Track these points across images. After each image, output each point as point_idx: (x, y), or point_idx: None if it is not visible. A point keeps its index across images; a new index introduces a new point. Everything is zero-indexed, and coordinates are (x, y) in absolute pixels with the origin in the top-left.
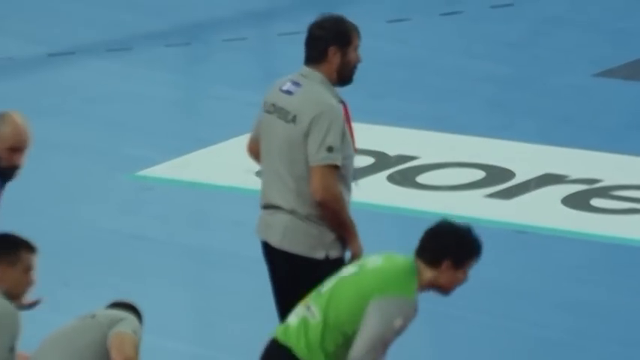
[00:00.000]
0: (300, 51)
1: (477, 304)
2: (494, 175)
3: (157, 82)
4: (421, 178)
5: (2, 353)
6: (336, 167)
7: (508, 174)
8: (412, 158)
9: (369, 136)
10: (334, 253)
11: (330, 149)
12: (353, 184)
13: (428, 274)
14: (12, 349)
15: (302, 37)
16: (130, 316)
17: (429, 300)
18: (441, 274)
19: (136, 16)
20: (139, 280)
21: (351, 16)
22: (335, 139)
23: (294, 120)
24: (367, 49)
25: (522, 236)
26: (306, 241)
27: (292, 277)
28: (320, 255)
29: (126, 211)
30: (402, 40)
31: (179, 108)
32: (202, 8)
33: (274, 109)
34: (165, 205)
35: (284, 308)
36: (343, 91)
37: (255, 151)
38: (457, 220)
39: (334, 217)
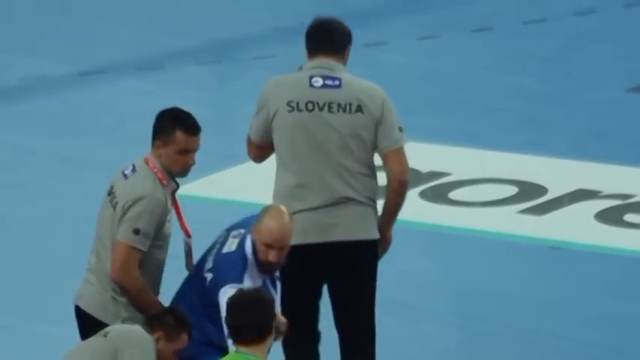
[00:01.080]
0: None
1: (510, 319)
2: (527, 190)
3: (188, 100)
4: (454, 195)
5: None
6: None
7: (541, 190)
8: (444, 174)
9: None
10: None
11: (401, 129)
12: None
13: None
14: None
15: None
16: (142, 342)
17: (460, 316)
18: None
19: (167, 34)
20: (167, 302)
21: (383, 32)
22: (399, 121)
23: (359, 109)
24: (398, 65)
25: (555, 252)
26: (375, 224)
27: (359, 265)
28: (375, 235)
29: None
30: (434, 57)
31: (210, 126)
32: (233, 26)
33: (315, 106)
34: (197, 223)
35: (314, 305)
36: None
37: (263, 155)
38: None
39: (404, 199)
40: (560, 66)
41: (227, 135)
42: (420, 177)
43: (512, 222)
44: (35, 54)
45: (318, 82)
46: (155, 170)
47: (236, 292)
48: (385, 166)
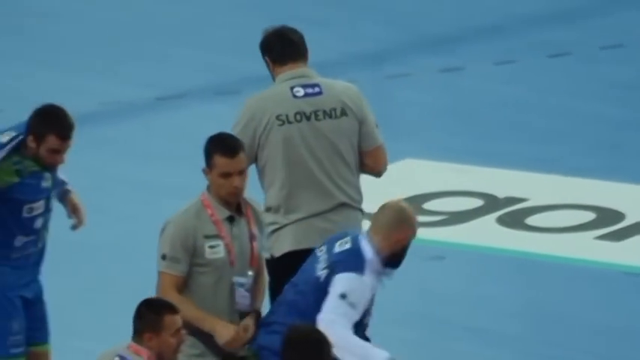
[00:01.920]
0: (410, 93)
1: (588, 345)
2: (605, 216)
3: None
4: (531, 220)
5: None
6: None
7: (618, 216)
8: (521, 200)
9: (477, 178)
10: None
11: (377, 125)
12: None
13: None
14: None
15: (412, 80)
16: None
17: (538, 342)
18: None
19: (244, 59)
20: None
21: (460, 57)
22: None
23: (344, 113)
24: (475, 91)
25: (632, 278)
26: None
27: None
28: None
29: None
30: (510, 82)
31: None
32: (311, 52)
33: (303, 116)
34: None
35: None
36: (447, 129)
37: None
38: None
39: None
40: (638, 92)
41: None
42: (497, 202)
43: (589, 248)
44: (114, 79)
45: (300, 92)
46: (202, 198)
47: (300, 327)
48: (365, 162)
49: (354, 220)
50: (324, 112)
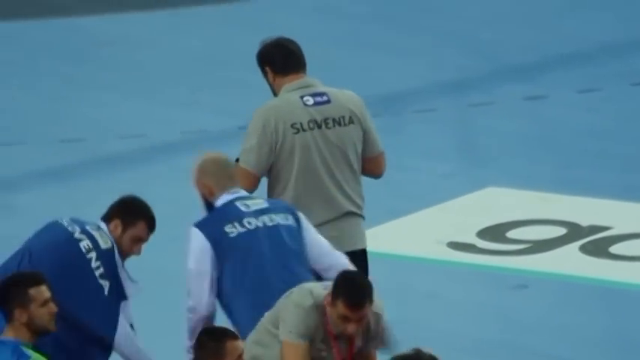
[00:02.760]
0: (493, 122)
1: None
2: None
3: None
4: (614, 249)
5: None
6: None
7: None
8: (605, 228)
9: (560, 206)
10: None
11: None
12: None
13: None
14: None
15: (495, 108)
16: None
17: None
18: None
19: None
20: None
21: (543, 85)
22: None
23: (352, 121)
24: (558, 119)
25: None
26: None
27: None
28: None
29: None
30: (594, 110)
31: (369, 179)
32: (393, 80)
33: (315, 124)
34: None
35: None
36: (529, 157)
37: (254, 188)
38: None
39: None
40: None
41: (387, 188)
42: (580, 231)
43: None
44: (196, 108)
45: (310, 100)
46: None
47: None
48: (367, 167)
49: (356, 227)
50: (334, 120)
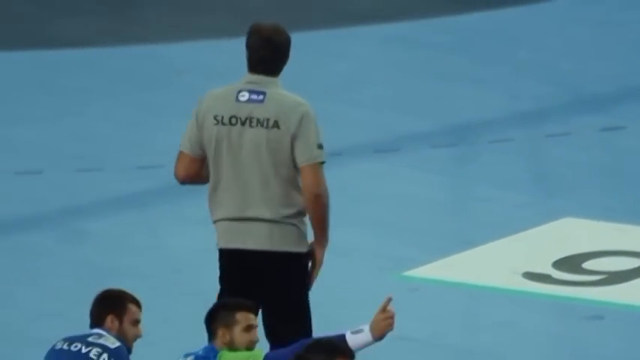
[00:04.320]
0: (569, 152)
1: None
2: None
3: (423, 183)
4: None
5: None
6: (323, 164)
7: None
8: None
9: (636, 237)
10: (309, 246)
11: (319, 147)
12: None
13: None
14: None
15: (571, 139)
16: None
17: None
18: None
19: (403, 117)
20: None
21: (620, 117)
22: (320, 137)
23: (276, 125)
24: (634, 150)
25: None
26: (296, 238)
27: (280, 274)
28: (304, 248)
29: None
30: None
31: (445, 209)
32: (469, 109)
33: (238, 120)
34: (430, 305)
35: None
36: (606, 188)
37: (192, 174)
38: None
39: (321, 213)
40: None
41: (462, 218)
42: None
43: None
44: None
45: (245, 96)
46: None
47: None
48: (301, 180)
49: (260, 233)
50: (258, 120)
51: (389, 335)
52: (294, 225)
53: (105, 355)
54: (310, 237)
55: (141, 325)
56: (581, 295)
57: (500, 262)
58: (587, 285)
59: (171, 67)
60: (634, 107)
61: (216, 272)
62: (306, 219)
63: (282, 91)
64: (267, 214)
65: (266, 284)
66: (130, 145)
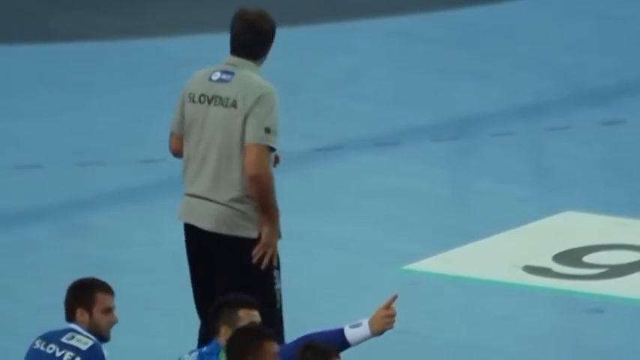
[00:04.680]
0: (570, 146)
1: None
2: None
3: (424, 176)
4: None
5: None
6: (270, 149)
7: None
8: None
9: (637, 231)
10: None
11: (267, 130)
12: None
13: None
14: None
15: (572, 132)
16: None
17: None
18: None
19: (404, 110)
20: None
21: (621, 110)
22: (273, 122)
23: (234, 104)
24: (635, 144)
25: None
26: (242, 223)
27: (228, 258)
28: (253, 234)
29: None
30: None
31: (446, 202)
32: (470, 103)
33: (206, 99)
34: (431, 299)
35: (206, 286)
36: (607, 182)
37: (181, 150)
38: None
39: (262, 195)
40: None
41: (463, 212)
42: None
43: None
44: None
45: (216, 75)
46: None
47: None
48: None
49: (207, 214)
50: (221, 99)
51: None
52: (239, 210)
53: (77, 359)
54: None
55: (115, 311)
56: (582, 288)
57: (501, 256)
58: (588, 278)
59: (172, 60)
60: (634, 101)
61: None
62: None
63: (253, 74)
64: (214, 196)
65: (216, 265)
66: (130, 138)
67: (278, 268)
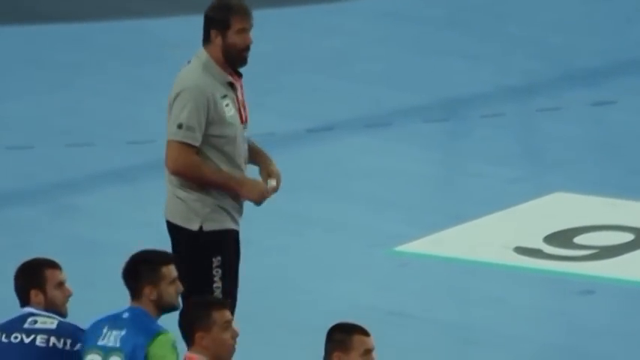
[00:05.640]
0: (560, 127)
1: None
2: None
3: (414, 157)
4: None
5: None
6: (185, 144)
7: None
8: None
9: (627, 212)
10: (209, 226)
11: (180, 126)
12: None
13: None
14: None
15: (562, 113)
16: None
17: None
18: None
19: (394, 91)
20: (398, 357)
21: (611, 91)
22: (188, 118)
23: (168, 99)
24: (625, 124)
25: None
26: (184, 213)
27: (175, 248)
28: (193, 226)
29: (384, 287)
30: None
31: (436, 184)
32: (461, 84)
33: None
34: (423, 281)
35: None
36: (597, 163)
37: None
38: None
39: (195, 183)
40: None
41: (453, 193)
42: None
43: None
44: (264, 111)
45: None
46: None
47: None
48: None
49: (166, 202)
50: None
51: (380, 310)
52: (180, 199)
53: (53, 338)
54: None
55: (67, 285)
56: (573, 269)
57: (492, 237)
58: (579, 260)
59: (160, 41)
60: (624, 82)
61: None
62: (204, 196)
63: (194, 67)
64: (167, 184)
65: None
66: (120, 120)
67: (222, 266)
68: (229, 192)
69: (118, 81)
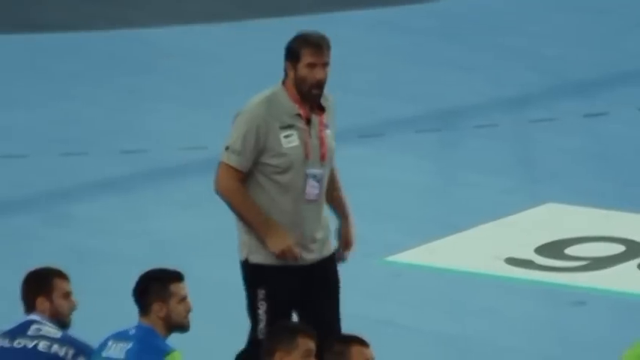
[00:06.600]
0: (553, 138)
1: None
2: None
3: (408, 168)
4: None
5: None
6: (229, 167)
7: None
8: None
9: (619, 223)
10: (254, 258)
11: (227, 148)
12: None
13: None
14: None
15: (555, 124)
16: None
17: None
18: None
19: (388, 102)
20: None
21: (604, 102)
22: (235, 142)
23: None
24: (618, 136)
25: None
26: (238, 239)
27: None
28: (241, 256)
29: (377, 296)
30: None
31: (429, 194)
32: (454, 95)
33: None
34: (414, 291)
35: None
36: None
37: None
38: None
39: (232, 209)
40: None
41: (446, 203)
42: (637, 249)
43: None
44: None
45: None
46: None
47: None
48: None
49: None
50: None
51: (372, 320)
52: (239, 230)
53: (55, 346)
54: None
55: (73, 297)
56: (564, 280)
57: (484, 248)
58: (570, 271)
59: (158, 51)
60: (617, 93)
61: (201, 255)
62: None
63: (263, 92)
64: None
65: None
66: (115, 129)
67: (266, 299)
68: (253, 230)
69: (114, 90)
